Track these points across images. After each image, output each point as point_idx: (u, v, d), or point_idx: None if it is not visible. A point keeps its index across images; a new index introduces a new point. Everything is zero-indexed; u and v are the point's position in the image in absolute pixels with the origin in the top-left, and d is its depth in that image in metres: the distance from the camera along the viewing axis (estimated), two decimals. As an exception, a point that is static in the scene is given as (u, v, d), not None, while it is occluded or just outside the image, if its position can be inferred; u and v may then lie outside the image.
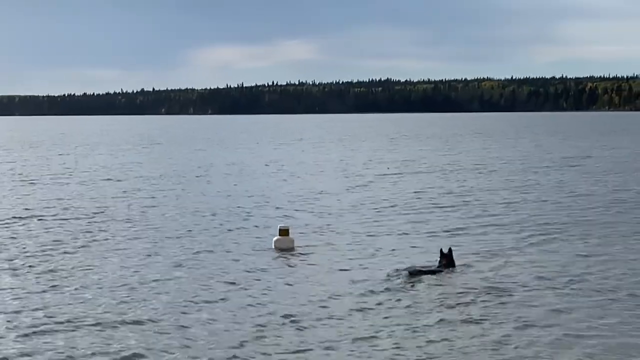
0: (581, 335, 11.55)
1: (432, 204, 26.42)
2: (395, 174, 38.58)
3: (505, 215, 23.38)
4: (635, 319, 12.31)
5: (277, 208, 25.41)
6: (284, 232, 18.40)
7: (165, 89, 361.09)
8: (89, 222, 22.38)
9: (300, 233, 19.80)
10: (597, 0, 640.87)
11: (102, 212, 24.53)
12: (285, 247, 18.07)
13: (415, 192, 30.03)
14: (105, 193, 30.16)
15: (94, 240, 19.46)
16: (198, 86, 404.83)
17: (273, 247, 18.21)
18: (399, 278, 14.96)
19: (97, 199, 28.16)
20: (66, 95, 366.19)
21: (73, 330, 11.77)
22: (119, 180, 35.76)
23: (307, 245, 18.50)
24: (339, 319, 12.40)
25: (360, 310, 12.91)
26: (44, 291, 14.20)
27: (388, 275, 15.18)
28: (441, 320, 12.28)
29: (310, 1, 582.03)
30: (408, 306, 13.12)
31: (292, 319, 12.38)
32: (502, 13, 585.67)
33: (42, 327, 11.92)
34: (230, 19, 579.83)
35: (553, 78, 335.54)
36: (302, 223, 21.91)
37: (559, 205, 25.63)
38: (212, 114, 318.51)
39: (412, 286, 14.45)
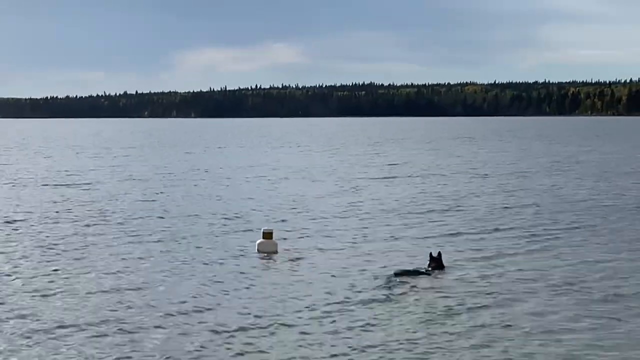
0: (584, 344, 11.06)
1: (421, 208, 25.86)
2: (383, 177, 37.99)
3: (498, 220, 22.91)
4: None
5: (265, 211, 24.92)
6: (267, 235, 18.00)
7: (148, 91, 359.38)
8: (77, 227, 21.66)
9: (285, 236, 19.45)
10: (580, 5, 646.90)
11: (90, 216, 23.71)
12: (268, 250, 17.71)
13: (403, 196, 29.51)
14: (94, 197, 29.31)
15: (78, 245, 18.86)
16: (181, 89, 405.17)
17: (256, 250, 17.72)
18: (384, 281, 14.64)
19: (86, 203, 27.31)
20: (49, 97, 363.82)
21: (62, 337, 11.41)
22: (106, 183, 35.07)
23: (291, 249, 18.12)
24: (322, 324, 12.00)
25: (343, 313, 12.52)
26: (48, 296, 13.74)
27: (373, 278, 14.89)
28: (426, 323, 11.99)
29: (294, 5, 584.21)
30: (393, 309, 12.78)
31: (271, 324, 11.94)
32: (485, 17, 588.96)
33: (40, 334, 11.54)
34: (213, 23, 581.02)
35: (536, 83, 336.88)
36: (288, 226, 21.52)
37: (552, 210, 25.14)
38: (195, 117, 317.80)
39: (398, 289, 14.07)
